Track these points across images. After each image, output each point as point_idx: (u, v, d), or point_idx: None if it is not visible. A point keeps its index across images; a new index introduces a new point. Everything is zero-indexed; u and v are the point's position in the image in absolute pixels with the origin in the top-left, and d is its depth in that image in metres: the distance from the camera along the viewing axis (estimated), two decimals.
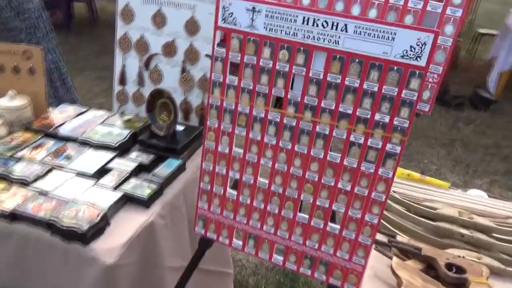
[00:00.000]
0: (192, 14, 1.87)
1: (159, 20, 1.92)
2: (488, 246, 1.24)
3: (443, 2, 0.94)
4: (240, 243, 1.21)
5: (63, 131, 1.80)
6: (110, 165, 1.60)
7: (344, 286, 1.11)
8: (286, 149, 1.05)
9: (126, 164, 1.61)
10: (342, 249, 1.08)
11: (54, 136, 1.77)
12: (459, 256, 1.15)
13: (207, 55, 1.20)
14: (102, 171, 1.57)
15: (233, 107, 1.07)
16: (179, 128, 1.82)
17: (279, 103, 1.03)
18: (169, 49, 1.95)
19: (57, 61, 2.95)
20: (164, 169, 1.59)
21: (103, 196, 1.41)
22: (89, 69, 5.21)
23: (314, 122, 1.00)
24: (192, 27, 1.90)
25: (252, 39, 0.99)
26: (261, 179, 1.12)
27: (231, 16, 0.98)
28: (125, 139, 1.75)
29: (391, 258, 1.17)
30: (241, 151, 1.11)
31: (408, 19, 0.97)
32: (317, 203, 1.07)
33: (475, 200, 1.49)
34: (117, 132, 1.81)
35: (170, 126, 1.68)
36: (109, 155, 1.66)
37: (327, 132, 1.00)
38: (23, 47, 1.94)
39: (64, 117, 1.93)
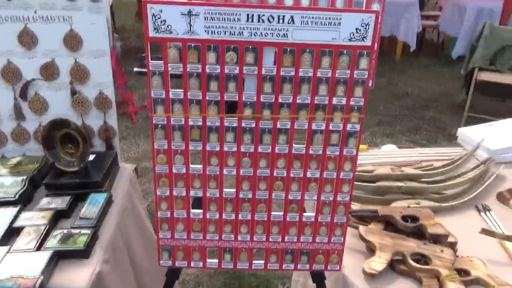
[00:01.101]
0: (71, 27, 1.62)
1: (27, 40, 1.61)
2: (421, 191, 1.42)
3: None
4: (216, 260, 1.13)
5: None
6: (18, 223, 1.32)
7: (328, 267, 1.15)
8: (249, 152, 1.01)
9: (39, 216, 1.34)
10: (320, 234, 1.11)
11: None
12: (408, 207, 1.29)
13: (138, 72, 1.06)
14: (11, 233, 1.29)
15: (183, 122, 0.98)
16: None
17: (233, 107, 0.98)
18: (49, 71, 1.66)
19: None
20: (91, 208, 1.38)
21: (28, 262, 1.16)
22: None
23: (274, 119, 0.98)
24: (72, 41, 1.65)
25: (193, 45, 0.90)
26: (228, 189, 1.06)
27: (164, 24, 0.88)
28: (24, 187, 1.46)
29: (356, 228, 1.25)
30: (200, 166, 1.03)
31: (339, 3, 1.01)
32: (290, 197, 1.07)
33: (392, 154, 1.69)
34: (9, 181, 1.49)
35: (83, 157, 1.46)
36: (11, 211, 1.36)
37: (288, 126, 0.99)
38: None
39: None
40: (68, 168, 1.47)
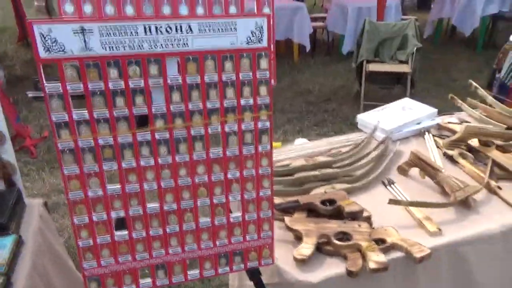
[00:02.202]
0: None
1: None
2: (334, 176, 1.54)
3: None
4: (149, 280, 1.10)
5: None
6: None
7: (261, 262, 1.18)
8: (167, 164, 1.01)
9: None
10: (249, 232, 1.14)
11: None
12: (325, 192, 1.39)
13: (34, 97, 0.98)
14: None
15: (92, 143, 0.94)
16: None
17: (144, 120, 0.97)
18: None
19: None
20: None
21: None
22: None
23: (188, 127, 0.99)
24: None
25: (91, 63, 0.88)
26: (151, 204, 1.04)
27: (55, 43, 0.84)
28: None
29: (282, 220, 1.30)
30: (118, 186, 1.00)
31: (232, 10, 1.05)
32: (214, 201, 1.08)
33: (305, 147, 1.80)
34: None
35: None
36: None
37: (202, 132, 1.00)
38: None
39: None
40: None
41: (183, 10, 1.00)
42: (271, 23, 0.94)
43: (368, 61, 4.48)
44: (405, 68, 4.39)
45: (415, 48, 4.36)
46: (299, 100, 4.96)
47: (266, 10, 1.05)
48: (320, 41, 7.14)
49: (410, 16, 6.39)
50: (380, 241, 1.24)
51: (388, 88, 4.80)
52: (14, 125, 3.85)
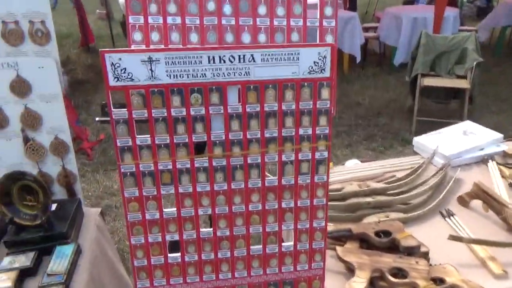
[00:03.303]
0: (17, 73, 1.55)
1: None
2: (389, 204, 1.48)
3: (318, 18, 1.04)
4: None
5: None
6: None
7: None
8: (222, 190, 1.01)
9: (2, 278, 1.25)
10: (300, 262, 1.11)
11: None
12: (378, 222, 1.34)
13: (100, 121, 1.02)
14: None
15: (152, 168, 0.96)
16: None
17: (202, 146, 0.98)
18: None
19: None
20: (58, 262, 1.30)
21: None
22: None
23: (245, 155, 0.98)
24: (20, 87, 1.58)
25: (156, 90, 0.90)
26: (204, 229, 1.04)
27: (124, 72, 0.87)
28: None
29: (333, 249, 1.27)
30: (174, 210, 1.01)
31: (294, 37, 1.04)
32: (267, 229, 1.07)
33: (356, 169, 1.74)
34: None
35: (45, 209, 1.38)
36: None
37: (259, 161, 0.99)
38: None
39: None
40: (30, 222, 1.38)
41: (246, 38, 1.00)
42: (335, 52, 0.92)
43: (423, 75, 4.30)
44: (463, 84, 4.17)
45: (475, 63, 4.13)
46: (349, 113, 4.86)
47: (329, 38, 1.03)
48: (372, 51, 6.97)
49: (469, 26, 6.06)
50: (438, 281, 1.16)
51: (444, 103, 4.58)
52: (74, 128, 4.08)
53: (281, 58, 0.91)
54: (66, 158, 1.68)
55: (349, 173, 1.71)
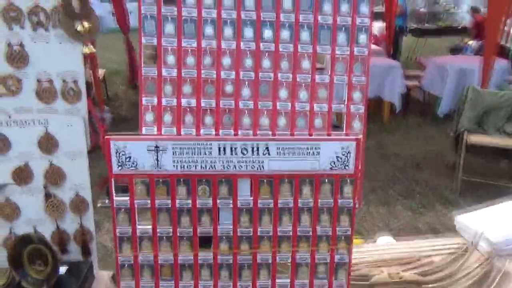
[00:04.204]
0: (46, 130, 1.56)
1: (0, 144, 1.55)
2: None
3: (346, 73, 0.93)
4: None
5: None
6: None
7: None
8: None
9: None
10: None
11: None
12: None
13: (102, 206, 0.98)
14: None
15: (152, 260, 0.88)
16: (60, 269, 1.46)
17: (207, 240, 0.89)
18: (22, 175, 1.58)
19: None
20: None
21: None
22: None
23: (254, 253, 0.88)
24: (48, 144, 1.59)
25: (161, 180, 0.83)
26: None
27: (129, 160, 0.81)
28: None
29: None
30: None
31: (318, 122, 0.95)
32: None
33: (388, 250, 1.58)
34: None
35: (50, 277, 1.33)
36: None
37: (269, 260, 0.89)
38: None
39: None
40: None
41: (264, 120, 0.92)
42: (361, 146, 0.82)
43: (470, 131, 4.04)
44: None
45: None
46: (386, 165, 4.63)
47: (357, 125, 0.92)
48: (414, 99, 6.75)
49: None
50: None
51: (493, 162, 4.26)
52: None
53: (299, 152, 0.82)
54: (84, 216, 1.65)
55: (381, 253, 1.54)
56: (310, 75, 0.91)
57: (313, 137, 0.87)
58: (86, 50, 1.47)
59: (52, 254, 1.37)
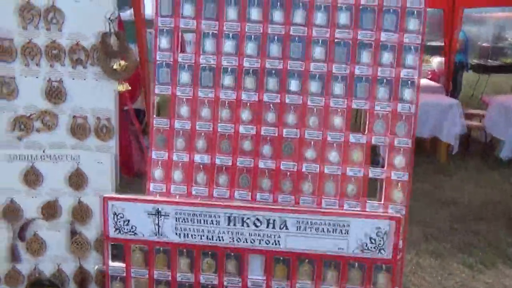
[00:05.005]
0: (77, 166, 1.55)
1: (32, 178, 1.55)
2: None
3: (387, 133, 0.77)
4: None
5: None
6: None
7: None
8: None
9: None
10: None
11: None
12: None
13: (98, 270, 0.91)
14: None
15: None
16: None
17: None
18: (51, 210, 1.57)
19: None
20: None
21: None
22: None
23: None
24: (78, 180, 1.57)
25: (161, 249, 0.72)
26: None
27: (127, 224, 0.72)
28: None
29: None
30: None
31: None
32: None
33: None
34: None
35: None
36: None
37: None
38: None
39: None
40: None
41: (286, 184, 0.79)
42: (401, 227, 0.66)
43: None
44: None
45: None
46: (442, 213, 4.24)
47: (398, 195, 0.76)
48: (475, 140, 6.26)
49: None
50: None
51: None
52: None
53: (323, 228, 0.69)
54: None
55: None
56: (343, 134, 0.78)
57: (341, 211, 0.73)
58: (121, 88, 1.44)
59: None
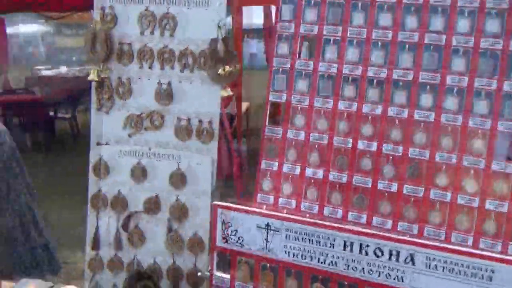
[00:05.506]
0: (178, 166, 1.61)
1: (138, 174, 1.65)
2: None
3: None
4: None
5: None
6: None
7: None
8: None
9: None
10: None
11: None
12: None
13: (202, 276, 0.91)
14: None
15: None
16: None
17: None
18: (152, 205, 1.65)
19: (30, 202, 2.66)
20: None
21: None
22: (69, 191, 4.86)
23: None
24: (178, 180, 1.63)
25: (269, 266, 0.68)
26: None
27: (235, 235, 0.69)
28: None
29: None
30: None
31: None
32: None
33: None
34: None
35: None
36: None
37: None
38: None
39: None
40: None
41: (408, 211, 0.71)
42: None
43: None
44: None
45: None
46: None
47: None
48: None
49: None
50: None
51: None
52: (238, 199, 4.26)
53: (459, 270, 0.58)
54: (199, 258, 1.62)
55: None
56: (483, 160, 0.66)
57: (485, 254, 0.61)
58: (224, 93, 1.46)
59: None
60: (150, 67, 1.40)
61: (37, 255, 2.22)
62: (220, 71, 1.37)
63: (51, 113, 6.77)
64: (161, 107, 1.53)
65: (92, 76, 1.46)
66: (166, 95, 1.54)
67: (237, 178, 4.11)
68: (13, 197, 2.08)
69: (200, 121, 1.65)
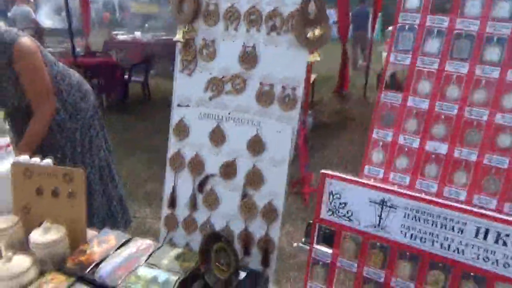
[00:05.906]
0: (257, 132, 1.58)
1: (217, 137, 1.64)
2: None
3: None
4: None
5: (101, 274, 1.48)
6: None
7: None
8: None
9: None
10: None
11: (89, 281, 1.46)
12: None
13: (299, 247, 0.87)
14: None
15: None
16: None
17: None
18: (229, 170, 1.65)
19: (108, 158, 2.82)
20: None
21: None
22: (140, 150, 5.13)
23: None
24: (256, 146, 1.60)
25: (379, 245, 0.62)
26: None
27: (343, 208, 0.63)
28: None
29: None
30: None
31: None
32: None
33: None
34: (163, 278, 1.45)
35: (231, 280, 1.31)
36: None
37: None
38: (63, 170, 1.72)
39: (103, 250, 1.63)
40: (213, 286, 1.34)
41: None
42: None
43: None
44: None
45: None
46: None
47: None
48: None
49: None
50: None
51: None
52: (302, 171, 4.21)
53: None
54: (271, 226, 1.60)
55: None
56: None
57: None
58: (311, 58, 1.37)
59: (235, 257, 1.34)
60: (235, 29, 1.35)
61: (112, 207, 2.35)
62: (309, 34, 1.29)
63: (126, 76, 7.10)
64: (244, 71, 1.48)
65: (178, 37, 1.44)
66: (250, 58, 1.49)
67: (302, 150, 4.03)
68: (95, 152, 2.18)
69: (283, 87, 1.58)
